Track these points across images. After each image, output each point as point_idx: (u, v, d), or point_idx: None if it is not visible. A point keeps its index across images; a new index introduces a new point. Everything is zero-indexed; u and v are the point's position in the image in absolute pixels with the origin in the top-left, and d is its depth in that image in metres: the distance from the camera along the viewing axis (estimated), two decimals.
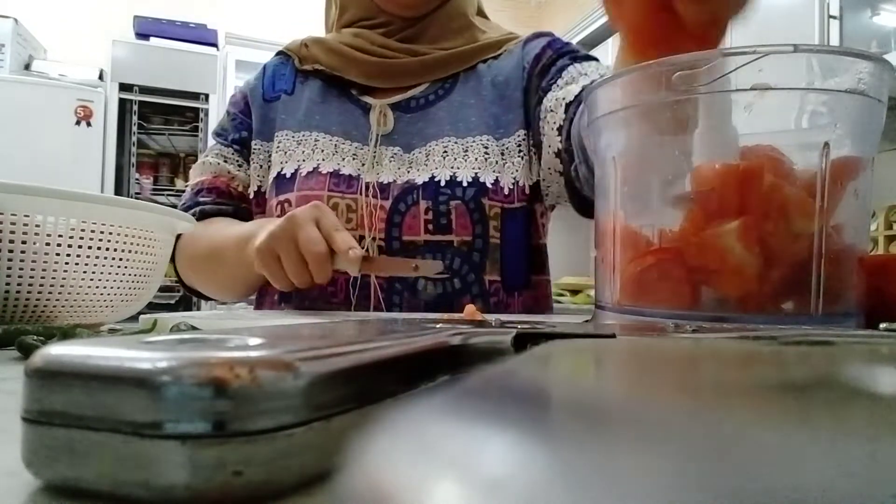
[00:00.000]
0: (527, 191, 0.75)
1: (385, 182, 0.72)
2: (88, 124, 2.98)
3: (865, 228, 0.40)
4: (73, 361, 0.12)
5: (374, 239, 0.70)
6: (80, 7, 3.40)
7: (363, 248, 0.69)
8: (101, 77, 3.16)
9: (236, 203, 0.81)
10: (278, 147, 0.78)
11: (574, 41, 3.43)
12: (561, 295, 2.24)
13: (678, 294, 0.36)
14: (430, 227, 0.70)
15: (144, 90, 3.20)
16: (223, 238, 0.72)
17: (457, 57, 0.79)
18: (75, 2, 3.40)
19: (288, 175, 0.75)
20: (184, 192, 0.85)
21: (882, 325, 0.37)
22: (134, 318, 0.45)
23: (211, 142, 0.86)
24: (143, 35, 3.27)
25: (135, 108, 3.21)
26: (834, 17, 1.77)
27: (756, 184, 0.34)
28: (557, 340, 0.18)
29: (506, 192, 0.73)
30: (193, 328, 0.33)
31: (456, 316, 0.40)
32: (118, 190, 3.18)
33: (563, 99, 0.71)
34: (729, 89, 0.35)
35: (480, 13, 0.88)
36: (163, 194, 3.37)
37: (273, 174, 0.77)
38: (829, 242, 0.34)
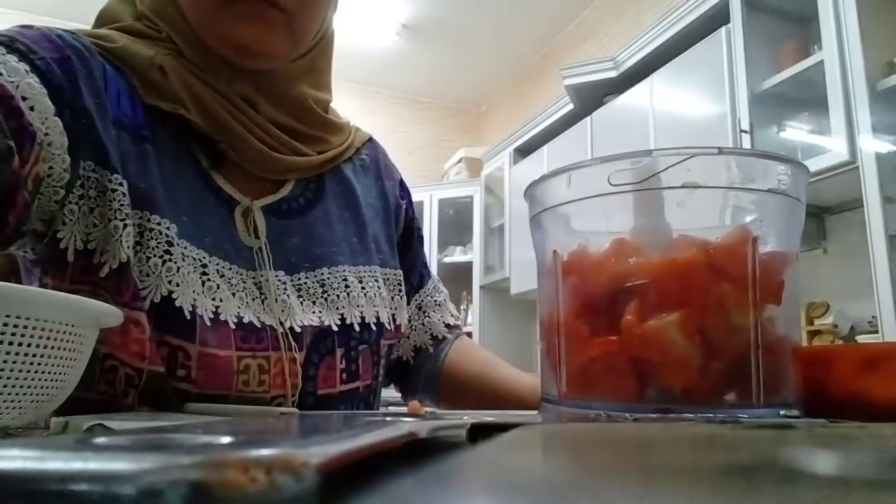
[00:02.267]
0: (402, 329, 0.70)
1: (297, 330, 0.58)
2: None
3: (797, 320, 0.41)
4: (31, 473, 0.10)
5: (293, 401, 0.57)
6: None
7: (282, 405, 0.57)
8: None
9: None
10: (148, 247, 0.52)
11: (511, 148, 3.58)
12: None
13: (623, 386, 0.35)
14: (345, 376, 0.61)
15: None
16: None
17: (333, 158, 0.67)
18: None
19: (186, 312, 0.52)
20: None
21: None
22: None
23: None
24: None
25: None
26: (745, 132, 1.94)
27: (694, 276, 0.35)
28: (509, 432, 0.17)
29: (393, 329, 0.67)
30: (110, 430, 0.30)
31: (402, 410, 0.38)
32: None
33: (430, 331, 0.75)
34: (661, 186, 0.37)
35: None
36: None
37: (148, 277, 0.52)
38: (765, 333, 0.35)
